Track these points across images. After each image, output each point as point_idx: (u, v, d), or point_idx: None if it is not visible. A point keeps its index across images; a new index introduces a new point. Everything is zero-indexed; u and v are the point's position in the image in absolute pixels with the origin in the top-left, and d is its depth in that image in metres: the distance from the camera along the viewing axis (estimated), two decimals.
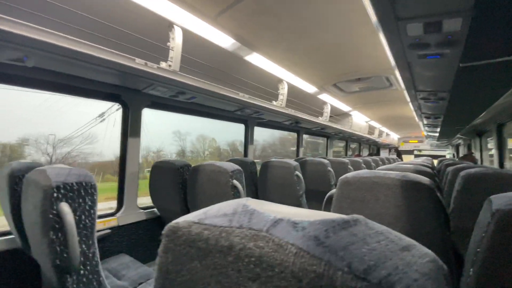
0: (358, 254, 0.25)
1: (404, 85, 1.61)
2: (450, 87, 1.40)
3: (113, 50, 1.28)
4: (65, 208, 0.84)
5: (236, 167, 1.63)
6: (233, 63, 2.14)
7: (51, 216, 0.82)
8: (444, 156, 9.99)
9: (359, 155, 6.97)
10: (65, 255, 0.84)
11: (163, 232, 0.43)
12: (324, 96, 3.46)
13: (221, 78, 2.10)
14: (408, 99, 2.45)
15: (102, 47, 1.23)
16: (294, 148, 4.71)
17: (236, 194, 1.56)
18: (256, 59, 2.17)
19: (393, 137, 9.74)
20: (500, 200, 0.67)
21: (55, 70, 1.43)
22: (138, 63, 1.39)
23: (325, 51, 2.25)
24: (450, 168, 1.89)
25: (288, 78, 2.66)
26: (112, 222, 2.00)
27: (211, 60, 2.00)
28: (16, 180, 1.17)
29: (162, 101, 2.21)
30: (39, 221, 0.84)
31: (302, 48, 2.13)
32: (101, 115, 2.86)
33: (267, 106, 2.43)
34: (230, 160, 2.49)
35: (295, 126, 3.91)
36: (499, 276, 0.64)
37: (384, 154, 10.18)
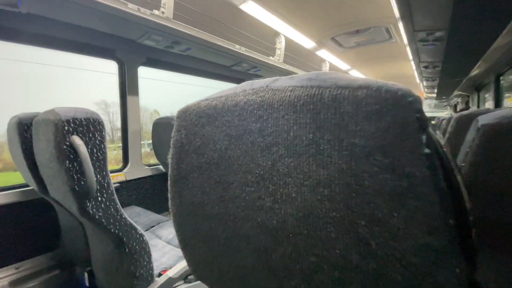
0: (340, 77, 0.29)
1: (401, 22, 1.59)
2: (448, 22, 1.38)
3: None
4: (76, 140, 0.89)
5: None
6: (228, 12, 2.07)
7: (64, 147, 0.88)
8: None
9: None
10: (82, 182, 0.91)
11: (175, 116, 0.48)
12: (323, 53, 3.38)
13: (217, 29, 2.04)
14: (408, 49, 2.41)
15: None
16: None
17: None
18: (251, 8, 2.09)
19: None
20: (486, 117, 0.71)
21: (50, 18, 1.39)
22: (131, 8, 1.35)
23: None
24: (445, 120, 1.94)
25: (285, 31, 2.59)
26: (120, 177, 2.10)
27: (204, 9, 1.93)
28: (25, 128, 1.21)
29: (157, 56, 2.18)
30: (54, 153, 0.90)
31: None
32: None
33: (264, 60, 2.40)
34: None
35: None
36: (480, 187, 0.69)
37: None
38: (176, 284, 1.19)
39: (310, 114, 0.29)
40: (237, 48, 2.08)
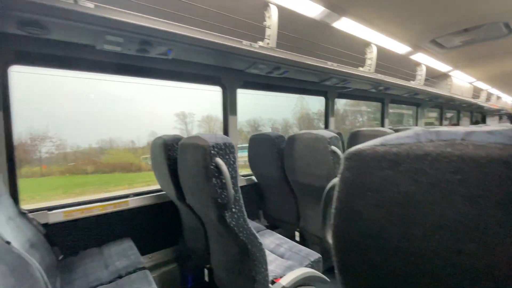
0: None
1: None
2: None
3: (226, 36, 1.50)
4: (219, 161, 1.09)
5: (333, 134, 1.70)
6: (320, 32, 2.15)
7: (211, 167, 1.09)
8: None
9: (456, 125, 5.96)
10: (223, 195, 1.11)
11: (344, 156, 0.56)
12: (418, 56, 3.08)
13: (309, 48, 2.14)
14: None
15: (218, 34, 1.46)
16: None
17: (335, 159, 1.64)
18: (344, 24, 2.11)
19: (506, 100, 7.85)
20: None
21: (183, 59, 1.76)
22: (245, 45, 1.57)
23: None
24: None
25: (377, 40, 2.49)
26: None
27: (299, 32, 2.05)
28: (169, 147, 1.55)
29: (252, 79, 2.43)
30: (202, 171, 1.13)
31: (397, 2, 1.95)
32: None
33: (354, 73, 2.36)
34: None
35: (380, 94, 3.63)
36: None
37: (492, 122, 8.36)
38: None
39: None
40: (329, 64, 2.12)
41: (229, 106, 2.38)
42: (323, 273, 1.45)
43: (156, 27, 1.22)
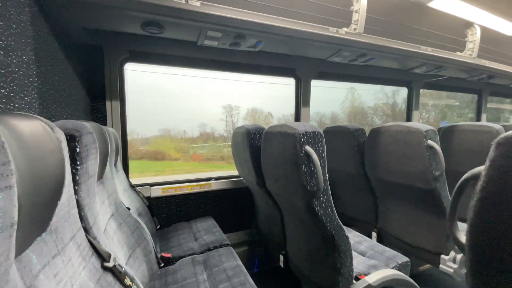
0: None
1: None
2: None
3: (313, 24, 1.47)
4: (309, 149, 1.10)
5: (429, 127, 1.51)
6: (412, 13, 1.93)
7: (301, 154, 1.10)
8: None
9: None
10: (312, 183, 1.12)
11: (497, 141, 0.49)
12: None
13: (398, 32, 1.95)
14: None
15: (304, 22, 1.44)
16: None
17: (432, 156, 1.46)
18: (442, 3, 1.84)
19: None
20: None
21: (268, 51, 1.82)
22: (331, 31, 1.52)
23: None
24: None
25: (481, 19, 2.10)
26: None
27: (386, 15, 1.88)
28: (251, 136, 1.62)
29: (327, 69, 2.34)
30: (291, 159, 1.15)
31: None
32: None
33: (453, 58, 2.05)
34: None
35: (478, 84, 3.08)
36: None
37: None
38: None
39: None
40: (422, 49, 1.89)
41: (302, 98, 2.36)
42: None
43: (251, 19, 1.28)
